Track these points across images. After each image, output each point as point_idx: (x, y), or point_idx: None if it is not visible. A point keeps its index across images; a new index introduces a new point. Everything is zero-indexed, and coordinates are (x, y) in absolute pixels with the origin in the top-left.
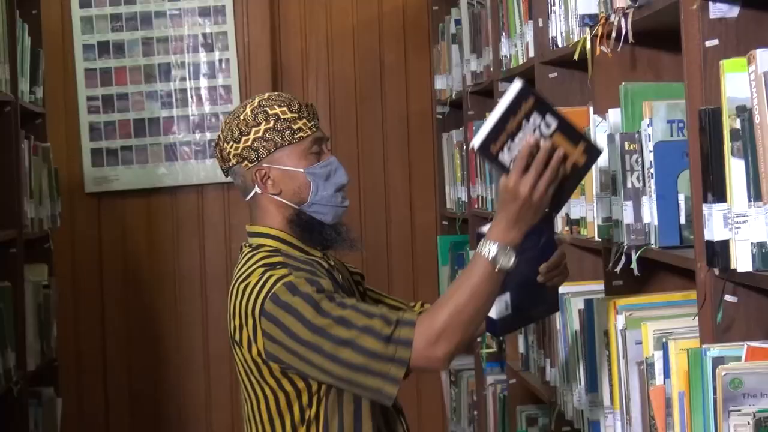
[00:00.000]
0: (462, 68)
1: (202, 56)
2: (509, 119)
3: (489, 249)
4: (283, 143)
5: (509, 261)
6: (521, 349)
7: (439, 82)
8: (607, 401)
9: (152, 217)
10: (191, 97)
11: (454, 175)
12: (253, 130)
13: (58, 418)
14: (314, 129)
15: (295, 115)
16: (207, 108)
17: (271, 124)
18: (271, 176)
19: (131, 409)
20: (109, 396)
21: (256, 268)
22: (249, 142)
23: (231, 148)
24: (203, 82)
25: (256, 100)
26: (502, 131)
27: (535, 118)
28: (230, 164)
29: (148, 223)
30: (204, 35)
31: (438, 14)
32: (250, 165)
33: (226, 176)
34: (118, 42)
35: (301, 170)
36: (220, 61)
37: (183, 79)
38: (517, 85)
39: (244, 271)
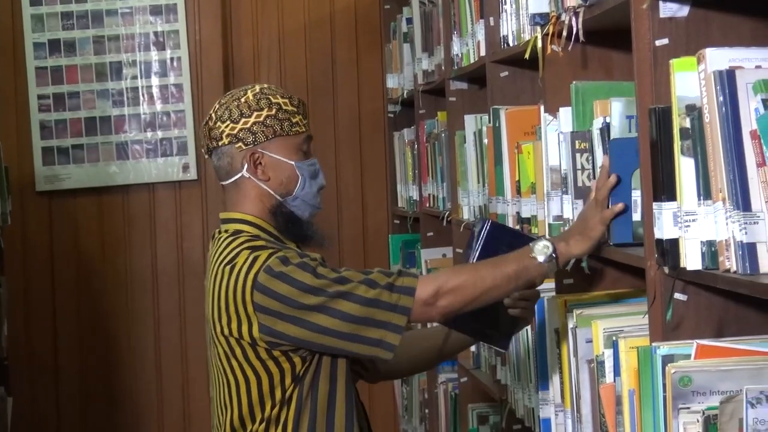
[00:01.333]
0: (413, 67)
1: (154, 55)
2: None
3: (538, 242)
4: (281, 133)
5: (549, 260)
6: (472, 347)
7: (391, 81)
8: (557, 399)
9: (104, 216)
10: (143, 95)
11: (406, 173)
12: (255, 113)
13: (8, 418)
14: (307, 128)
15: (295, 109)
16: (158, 106)
17: (273, 112)
18: (263, 162)
19: (83, 408)
20: (61, 395)
21: (242, 250)
22: (248, 125)
23: (226, 127)
24: (155, 81)
25: (257, 87)
26: None
27: None
28: (220, 143)
29: (100, 222)
30: (155, 33)
31: (390, 13)
32: (244, 147)
33: (209, 156)
34: (69, 40)
35: (293, 162)
36: (172, 59)
37: (134, 77)
38: None
39: (228, 254)
